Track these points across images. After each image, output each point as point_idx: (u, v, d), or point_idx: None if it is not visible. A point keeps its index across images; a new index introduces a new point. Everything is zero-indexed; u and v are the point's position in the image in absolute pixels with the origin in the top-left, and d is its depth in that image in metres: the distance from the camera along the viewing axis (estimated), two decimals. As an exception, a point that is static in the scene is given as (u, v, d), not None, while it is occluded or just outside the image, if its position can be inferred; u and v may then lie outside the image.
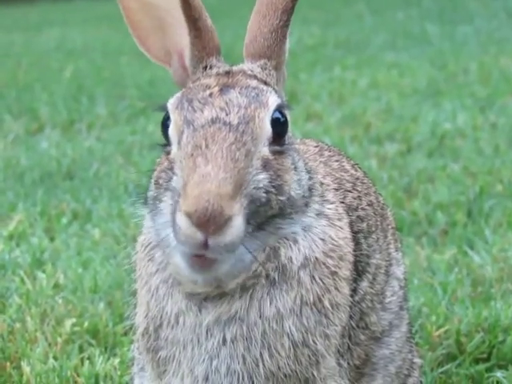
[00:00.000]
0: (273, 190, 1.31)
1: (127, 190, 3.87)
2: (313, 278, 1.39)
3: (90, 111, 5.88)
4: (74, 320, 2.50)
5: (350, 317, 1.48)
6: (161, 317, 1.42)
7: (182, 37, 1.44)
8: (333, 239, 1.44)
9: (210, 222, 1.20)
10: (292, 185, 1.35)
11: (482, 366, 2.21)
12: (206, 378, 1.39)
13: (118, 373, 2.22)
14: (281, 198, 1.32)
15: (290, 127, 1.40)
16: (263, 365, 1.37)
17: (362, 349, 1.57)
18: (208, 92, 1.34)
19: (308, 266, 1.40)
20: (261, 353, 1.36)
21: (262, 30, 1.45)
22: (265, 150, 1.32)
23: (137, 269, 1.51)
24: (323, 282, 1.40)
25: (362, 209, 1.64)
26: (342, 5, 12.88)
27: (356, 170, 1.77)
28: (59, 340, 2.40)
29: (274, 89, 1.42)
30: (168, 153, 1.36)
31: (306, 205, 1.39)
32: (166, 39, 1.48)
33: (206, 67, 1.44)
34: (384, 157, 4.24)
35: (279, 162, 1.34)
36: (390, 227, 1.76)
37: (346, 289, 1.44)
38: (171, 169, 1.32)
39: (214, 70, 1.43)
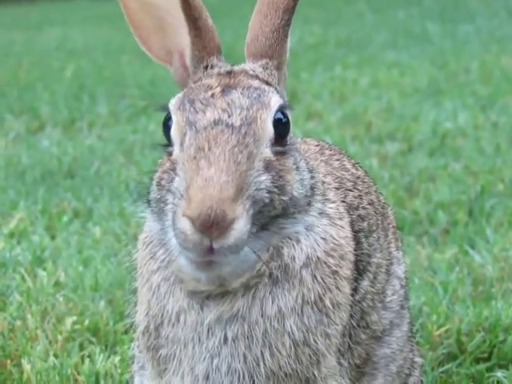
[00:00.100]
0: (275, 190, 1.31)
1: (128, 188, 3.88)
2: (314, 277, 1.40)
3: (91, 110, 5.88)
4: (74, 318, 2.51)
5: (351, 316, 1.48)
6: (162, 315, 1.42)
7: (182, 36, 1.44)
8: (334, 238, 1.44)
9: (213, 226, 1.20)
10: (294, 185, 1.35)
11: (482, 366, 2.21)
12: (207, 377, 1.39)
13: (119, 371, 2.22)
14: (283, 198, 1.32)
15: (292, 127, 1.40)
16: (264, 364, 1.37)
17: (363, 348, 1.57)
18: (210, 93, 1.34)
19: (310, 265, 1.40)
20: (262, 352, 1.36)
21: (264, 30, 1.45)
22: (267, 151, 1.32)
23: (138, 267, 1.51)
24: (324, 282, 1.41)
25: (363, 208, 1.64)
26: (342, 3, 12.88)
27: (357, 169, 1.77)
28: (60, 338, 2.40)
29: (275, 89, 1.42)
30: (170, 153, 1.36)
31: (309, 204, 1.40)
32: (166, 39, 1.48)
33: (206, 67, 1.44)
34: (385, 156, 4.24)
35: (281, 163, 1.34)
36: (390, 226, 1.76)
37: (346, 288, 1.44)
38: (173, 170, 1.32)
39: (216, 70, 1.43)
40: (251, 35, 1.47)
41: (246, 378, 1.37)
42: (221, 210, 1.20)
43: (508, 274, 2.72)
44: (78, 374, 2.22)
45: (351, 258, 1.47)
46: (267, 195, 1.30)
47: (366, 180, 1.76)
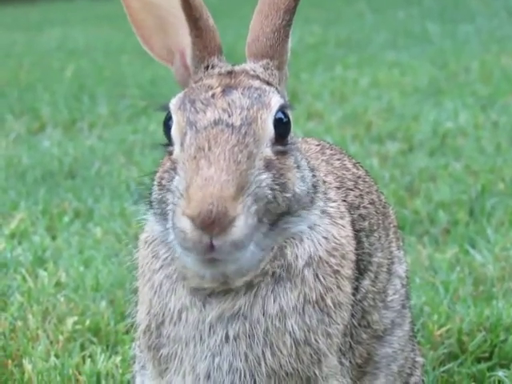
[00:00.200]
0: (277, 187, 1.32)
1: (129, 188, 3.88)
2: (316, 276, 1.40)
3: (91, 110, 5.89)
4: (75, 318, 2.51)
5: (352, 315, 1.48)
6: (163, 314, 1.42)
7: (183, 36, 1.44)
8: (335, 238, 1.44)
9: (214, 223, 1.20)
10: (296, 182, 1.35)
11: (483, 365, 2.21)
12: (208, 376, 1.39)
13: (120, 371, 2.22)
14: (286, 194, 1.33)
15: (292, 126, 1.40)
16: (265, 363, 1.37)
17: (364, 347, 1.57)
18: (210, 93, 1.35)
19: (312, 264, 1.40)
20: (263, 351, 1.36)
21: (265, 30, 1.45)
22: (267, 151, 1.33)
23: (139, 266, 1.51)
24: (326, 281, 1.41)
25: (364, 207, 1.64)
26: (342, 4, 12.88)
27: (358, 169, 1.77)
28: (61, 338, 2.40)
29: (276, 89, 1.42)
30: (170, 153, 1.37)
31: (312, 201, 1.40)
32: (168, 38, 1.48)
33: (207, 67, 1.44)
34: (385, 156, 4.24)
35: (282, 162, 1.34)
36: (391, 226, 1.77)
37: (348, 287, 1.44)
38: (174, 169, 1.33)
39: (216, 70, 1.43)
40: (252, 35, 1.47)
41: (248, 376, 1.37)
42: (222, 207, 1.21)
43: (509, 273, 2.71)
44: (79, 374, 2.22)
45: (352, 257, 1.47)
46: (269, 192, 1.30)
47: (366, 179, 1.76)
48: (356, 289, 1.50)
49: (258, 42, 1.46)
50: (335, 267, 1.43)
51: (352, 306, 1.47)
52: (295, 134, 1.46)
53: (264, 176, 1.30)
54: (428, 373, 2.17)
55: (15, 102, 6.28)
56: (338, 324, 1.42)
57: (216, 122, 1.29)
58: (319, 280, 1.40)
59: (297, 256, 1.39)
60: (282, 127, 1.36)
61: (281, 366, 1.38)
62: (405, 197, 3.51)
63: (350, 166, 1.75)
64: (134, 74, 7.35)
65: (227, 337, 1.37)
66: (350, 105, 5.47)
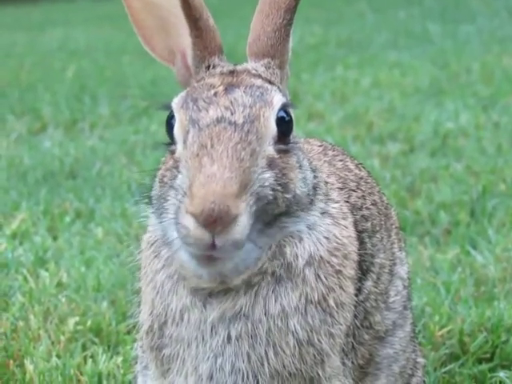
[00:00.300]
0: (279, 188, 1.31)
1: (130, 189, 3.88)
2: (318, 276, 1.40)
3: (92, 111, 5.89)
4: (77, 318, 2.51)
5: (355, 316, 1.48)
6: (165, 314, 1.42)
7: (184, 36, 1.44)
8: (337, 238, 1.44)
9: (216, 221, 1.20)
10: (297, 183, 1.35)
11: (485, 366, 2.21)
12: (211, 377, 1.39)
13: (121, 371, 2.23)
14: (287, 195, 1.32)
15: (295, 125, 1.40)
16: (268, 363, 1.37)
17: (366, 348, 1.56)
18: (213, 91, 1.35)
19: (313, 264, 1.40)
20: (265, 351, 1.36)
21: (266, 29, 1.45)
22: (270, 149, 1.32)
23: (142, 266, 1.51)
24: (328, 281, 1.40)
25: (367, 208, 1.64)
26: (343, 4, 12.89)
27: (360, 170, 1.77)
28: (62, 338, 2.40)
29: (278, 88, 1.42)
30: (172, 152, 1.36)
31: (311, 203, 1.40)
32: (169, 39, 1.48)
33: (208, 67, 1.44)
34: (386, 156, 4.24)
35: (284, 161, 1.34)
36: (393, 227, 1.76)
37: (350, 288, 1.44)
38: (176, 167, 1.33)
39: (218, 70, 1.43)
40: (253, 35, 1.47)
41: (250, 377, 1.37)
42: (224, 205, 1.20)
43: (510, 274, 2.71)
44: (81, 374, 2.22)
45: (355, 257, 1.47)
46: (271, 193, 1.30)
47: (369, 180, 1.76)
48: (359, 290, 1.50)
49: (259, 42, 1.46)
50: (337, 267, 1.42)
51: (354, 306, 1.47)
52: (297, 134, 1.46)
53: (267, 175, 1.30)
54: (429, 373, 2.17)
55: (16, 103, 6.29)
56: (341, 324, 1.42)
57: (218, 120, 1.29)
58: (321, 280, 1.40)
59: (296, 255, 1.38)
60: (284, 125, 1.35)
61: (284, 366, 1.37)
62: (406, 197, 3.51)
63: (352, 167, 1.75)
64: (135, 74, 7.36)
65: (229, 337, 1.37)
66: (350, 105, 5.47)
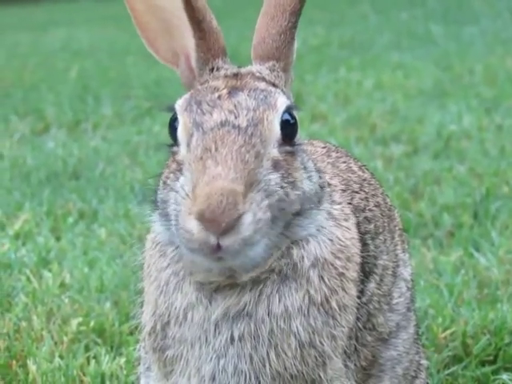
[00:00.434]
0: (287, 185, 1.31)
1: (133, 189, 3.88)
2: (321, 278, 1.40)
3: (95, 111, 5.90)
4: (80, 319, 2.51)
5: (357, 318, 1.48)
6: (169, 314, 1.42)
7: (187, 39, 1.44)
8: (340, 240, 1.44)
9: (224, 214, 1.19)
10: (304, 181, 1.35)
11: (488, 369, 2.20)
12: (213, 378, 1.39)
13: (124, 372, 2.23)
14: (296, 192, 1.33)
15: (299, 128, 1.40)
16: (270, 365, 1.37)
17: (369, 350, 1.56)
18: (217, 94, 1.35)
19: (317, 265, 1.40)
20: (267, 352, 1.36)
21: (270, 32, 1.45)
22: (274, 152, 1.32)
23: (145, 266, 1.51)
24: (331, 283, 1.40)
25: (370, 210, 1.64)
26: (346, 5, 12.88)
27: (363, 172, 1.77)
28: (65, 339, 2.41)
29: (282, 90, 1.42)
30: (174, 153, 1.36)
31: (320, 201, 1.40)
32: (172, 41, 1.48)
33: (212, 69, 1.44)
34: (390, 158, 4.23)
35: (289, 163, 1.34)
36: (397, 228, 1.76)
37: (353, 290, 1.44)
38: (179, 170, 1.33)
39: (222, 72, 1.43)
40: (258, 37, 1.47)
41: (252, 379, 1.37)
42: (231, 198, 1.19)
43: (513, 276, 2.71)
44: (84, 375, 2.22)
45: (357, 259, 1.47)
46: (279, 189, 1.29)
47: (372, 182, 1.76)
48: (361, 291, 1.50)
49: (263, 44, 1.46)
50: (340, 269, 1.42)
51: (357, 308, 1.47)
52: (300, 136, 1.46)
53: (273, 176, 1.30)
54: (432, 375, 2.17)
55: (19, 103, 6.30)
56: (343, 326, 1.42)
57: (222, 124, 1.29)
58: (324, 282, 1.40)
59: (302, 257, 1.39)
60: (289, 128, 1.35)
61: (285, 368, 1.37)
62: (409, 199, 3.51)
63: (355, 168, 1.75)
64: (138, 74, 7.37)
65: (232, 338, 1.37)
66: (353, 107, 5.47)
